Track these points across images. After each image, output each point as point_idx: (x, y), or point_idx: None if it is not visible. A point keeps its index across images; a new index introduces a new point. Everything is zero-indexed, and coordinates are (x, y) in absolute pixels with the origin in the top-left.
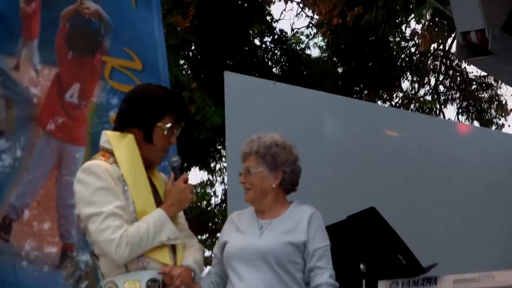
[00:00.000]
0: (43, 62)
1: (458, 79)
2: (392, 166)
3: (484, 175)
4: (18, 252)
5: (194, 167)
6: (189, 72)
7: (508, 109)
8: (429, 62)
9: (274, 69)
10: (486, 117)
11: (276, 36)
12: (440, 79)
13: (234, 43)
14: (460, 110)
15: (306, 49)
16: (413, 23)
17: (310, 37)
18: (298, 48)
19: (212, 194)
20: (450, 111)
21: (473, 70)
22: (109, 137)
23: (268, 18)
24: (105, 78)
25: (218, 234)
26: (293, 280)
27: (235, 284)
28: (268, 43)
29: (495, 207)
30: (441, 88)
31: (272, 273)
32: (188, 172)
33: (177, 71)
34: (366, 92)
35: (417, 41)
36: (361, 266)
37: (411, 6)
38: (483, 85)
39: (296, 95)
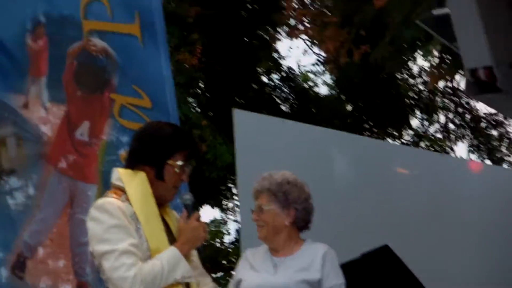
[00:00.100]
0: (52, 100)
1: (468, 116)
2: (403, 204)
3: (497, 213)
4: None
5: (205, 205)
6: (198, 109)
7: None
8: (438, 99)
9: (283, 107)
10: (497, 155)
11: (283, 74)
12: (450, 116)
13: (242, 80)
14: (471, 148)
15: (314, 87)
16: (420, 60)
17: (318, 75)
18: (306, 85)
19: (225, 232)
20: (461, 149)
21: (482, 108)
22: (120, 174)
23: (275, 55)
24: (114, 116)
25: (232, 272)
26: None
27: None
28: (276, 81)
29: (509, 244)
30: (451, 125)
31: None
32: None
33: (186, 109)
34: (375, 129)
35: (424, 78)
36: None
37: (418, 43)
38: (493, 122)
39: (306, 133)
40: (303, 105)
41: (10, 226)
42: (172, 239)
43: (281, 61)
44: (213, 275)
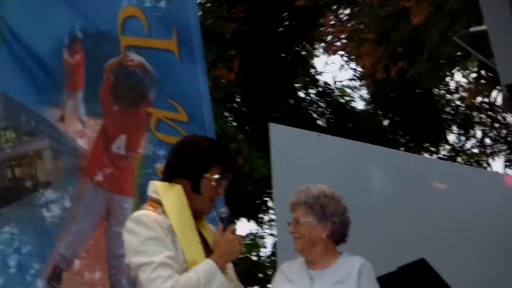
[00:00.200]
0: (89, 114)
1: (504, 131)
2: (440, 218)
3: None
4: None
5: (241, 218)
6: (234, 123)
7: None
8: (474, 114)
9: (319, 121)
10: None
11: (320, 89)
12: (486, 131)
13: (278, 95)
14: (507, 163)
15: (351, 102)
16: (457, 76)
17: (355, 90)
18: (342, 100)
19: (261, 245)
20: (497, 164)
21: None
22: (157, 187)
23: (311, 70)
24: (151, 130)
25: (268, 286)
26: None
27: None
28: (312, 96)
29: None
30: (487, 140)
31: None
32: (236, 223)
33: (223, 123)
34: (411, 144)
35: (461, 94)
36: None
37: (456, 59)
38: None
39: (342, 147)
40: (340, 120)
41: (46, 238)
42: (208, 252)
43: (318, 77)
44: None
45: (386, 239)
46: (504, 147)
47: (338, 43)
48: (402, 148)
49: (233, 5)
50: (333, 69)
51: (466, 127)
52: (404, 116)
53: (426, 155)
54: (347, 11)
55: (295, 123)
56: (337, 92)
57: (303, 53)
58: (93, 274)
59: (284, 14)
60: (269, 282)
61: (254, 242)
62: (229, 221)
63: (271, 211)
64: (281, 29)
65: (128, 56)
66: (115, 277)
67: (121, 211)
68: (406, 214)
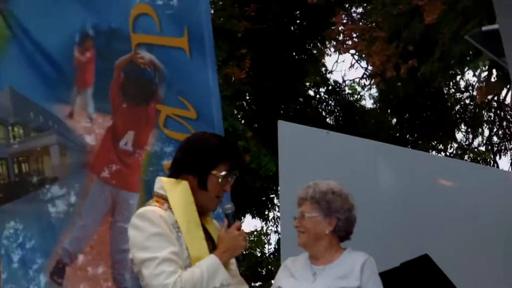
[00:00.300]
0: (98, 111)
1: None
2: (445, 215)
3: None
4: None
5: (247, 214)
6: (243, 121)
7: None
8: (483, 113)
9: (328, 119)
10: None
11: (330, 87)
12: (494, 130)
13: (288, 93)
14: None
15: (360, 100)
16: (467, 75)
17: (364, 88)
18: (352, 98)
19: (265, 242)
20: (504, 162)
21: None
22: (163, 183)
23: (322, 69)
24: (159, 127)
25: (271, 282)
26: None
27: None
28: (322, 94)
29: None
30: (495, 139)
31: None
32: (242, 220)
33: (232, 121)
34: (420, 142)
35: (471, 93)
36: None
37: (467, 58)
38: None
39: (350, 145)
40: (348, 118)
41: (51, 233)
42: (213, 248)
43: (328, 75)
44: (252, 284)
45: (391, 235)
46: (511, 146)
47: (349, 42)
48: (409, 146)
49: (245, 3)
50: (344, 67)
51: (474, 125)
52: (413, 115)
53: (434, 153)
54: (359, 9)
55: (304, 121)
56: (346, 90)
57: (314, 51)
58: (96, 269)
59: (297, 13)
60: (272, 279)
61: (258, 238)
62: (234, 218)
63: (276, 208)
64: (293, 27)
65: (139, 54)
66: (118, 271)
67: (126, 206)
68: (412, 211)
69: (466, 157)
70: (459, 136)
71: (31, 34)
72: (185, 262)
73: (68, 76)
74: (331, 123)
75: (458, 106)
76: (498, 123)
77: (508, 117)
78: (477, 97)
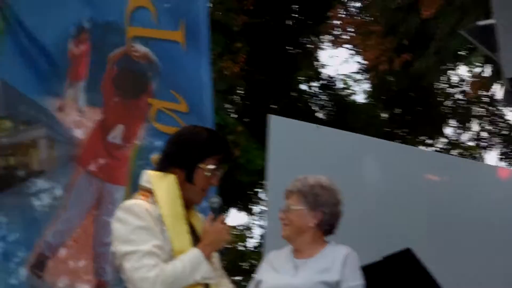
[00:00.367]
0: (89, 104)
1: (501, 125)
2: (432, 209)
3: None
4: None
5: (233, 209)
6: (234, 116)
7: None
8: (473, 108)
9: (319, 114)
10: None
11: (323, 82)
12: (483, 125)
13: (281, 88)
14: (501, 156)
15: (352, 95)
16: (460, 70)
17: (357, 82)
18: (344, 93)
19: (249, 236)
20: (492, 157)
21: None
22: (150, 176)
23: (316, 63)
24: (150, 120)
25: (253, 275)
26: None
27: None
28: (314, 88)
29: None
30: (484, 134)
31: None
32: (228, 213)
33: (223, 115)
34: (409, 137)
35: (463, 88)
36: None
37: (461, 53)
38: None
39: (339, 139)
40: (340, 113)
41: (34, 227)
42: (197, 242)
43: (321, 70)
44: (233, 279)
45: (378, 229)
46: (500, 140)
47: (345, 36)
48: (398, 141)
49: None
50: (338, 62)
51: (464, 120)
52: (404, 109)
53: (423, 147)
54: (357, 4)
55: (296, 116)
56: (339, 85)
57: (309, 46)
58: (77, 262)
59: (294, 6)
60: (254, 273)
61: (242, 233)
62: (220, 211)
63: (262, 203)
64: (289, 22)
65: (133, 47)
66: (100, 265)
67: (111, 200)
68: (398, 205)
69: (454, 152)
70: (448, 131)
71: (27, 27)
72: (168, 256)
73: (61, 69)
74: (323, 117)
75: (450, 102)
76: (487, 118)
77: (498, 112)
78: (470, 91)
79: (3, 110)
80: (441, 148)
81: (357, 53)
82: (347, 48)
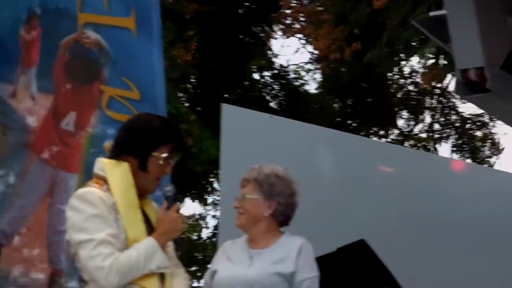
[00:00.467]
0: (41, 90)
1: (453, 117)
2: (386, 200)
3: (477, 212)
4: (6, 276)
5: (187, 198)
6: (187, 104)
7: (501, 148)
8: (426, 99)
9: (272, 104)
10: (480, 155)
11: (275, 71)
12: (436, 116)
13: (233, 77)
14: (454, 148)
15: (305, 85)
16: (412, 61)
17: (310, 73)
18: (297, 83)
19: (203, 226)
20: (445, 149)
21: (468, 109)
22: (103, 164)
23: (268, 53)
24: (102, 108)
25: (208, 266)
26: None
27: None
28: (267, 78)
29: (487, 242)
30: (436, 126)
31: None
32: (182, 203)
33: (176, 103)
34: (361, 128)
35: (415, 79)
36: None
37: (413, 44)
38: (478, 123)
39: (292, 129)
40: (292, 103)
41: None
42: (151, 230)
43: (274, 59)
44: (189, 269)
45: (331, 220)
46: (452, 132)
47: (297, 25)
48: (351, 132)
49: None
50: (290, 51)
51: (416, 112)
52: (356, 100)
53: (375, 139)
54: None
55: (248, 105)
56: (291, 75)
57: (261, 35)
58: (31, 251)
59: None
60: (208, 263)
61: (196, 223)
62: (174, 200)
63: (216, 193)
64: (241, 10)
65: (85, 34)
66: (54, 252)
67: (65, 188)
68: (352, 196)
69: (406, 143)
70: (401, 122)
71: None
72: (122, 244)
73: (13, 55)
74: (275, 107)
75: (402, 93)
76: (439, 110)
77: (450, 104)
78: (421, 83)
79: None
80: (393, 140)
81: (309, 42)
82: (298, 37)
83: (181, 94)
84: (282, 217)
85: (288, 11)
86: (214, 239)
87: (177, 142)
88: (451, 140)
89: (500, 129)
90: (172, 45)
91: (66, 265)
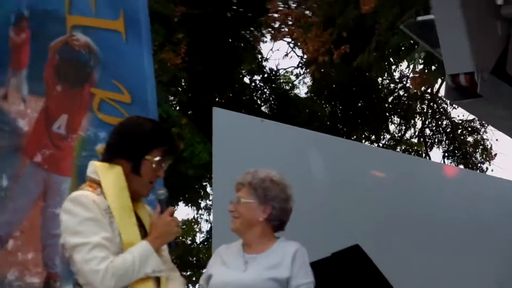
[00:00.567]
0: (32, 93)
1: (444, 122)
2: (378, 205)
3: (469, 217)
4: (1, 280)
5: (180, 202)
6: (178, 108)
7: (493, 154)
8: (416, 104)
9: (263, 108)
10: (471, 161)
11: (265, 75)
12: (426, 122)
13: (224, 81)
14: (446, 154)
15: (295, 89)
16: (402, 66)
17: (299, 77)
18: (287, 87)
19: (197, 230)
20: (436, 154)
21: (459, 114)
22: (96, 167)
23: (258, 56)
24: (93, 110)
25: (202, 271)
26: None
27: None
28: (257, 82)
29: (479, 247)
30: (427, 131)
31: None
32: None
33: (167, 107)
34: (353, 133)
35: (405, 84)
36: None
37: (403, 48)
38: (469, 129)
39: (284, 133)
40: (283, 107)
41: None
42: (144, 234)
43: (263, 63)
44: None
45: (323, 225)
46: (443, 138)
47: (285, 29)
48: (343, 137)
49: None
50: (279, 55)
51: (407, 117)
52: (346, 105)
53: (367, 144)
54: None
55: (239, 109)
56: (281, 79)
57: (250, 38)
58: (26, 255)
59: None
60: (202, 268)
61: (189, 227)
62: (167, 204)
63: (209, 197)
64: (229, 13)
65: (74, 36)
66: (49, 256)
67: (58, 191)
68: (344, 201)
69: (398, 148)
70: (392, 127)
71: None
72: (117, 248)
73: (2, 57)
74: (266, 111)
75: (392, 97)
76: (430, 115)
77: (441, 109)
78: (411, 88)
79: None
80: (385, 145)
81: (297, 46)
82: (287, 41)
83: (171, 98)
84: (277, 222)
85: (276, 15)
86: (207, 243)
87: (169, 146)
88: (443, 145)
89: (491, 134)
90: (161, 48)
91: (61, 269)
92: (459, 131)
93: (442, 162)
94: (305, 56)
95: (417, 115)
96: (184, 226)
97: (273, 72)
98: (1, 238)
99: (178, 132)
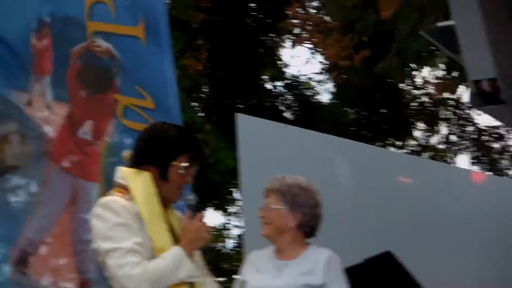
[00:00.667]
0: (56, 99)
1: (469, 129)
2: (405, 211)
3: (498, 223)
4: (35, 286)
5: (208, 208)
6: (201, 114)
7: None
8: (440, 110)
9: (286, 114)
10: (498, 167)
11: (287, 81)
12: (451, 128)
13: (245, 87)
14: (473, 160)
15: (317, 95)
16: (425, 71)
17: (321, 83)
18: (309, 93)
19: (226, 236)
20: (462, 161)
21: (485, 121)
22: (124, 173)
23: (279, 63)
24: (118, 116)
25: (235, 277)
26: None
27: None
28: (279, 88)
29: (509, 253)
30: (453, 137)
31: None
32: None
33: (190, 113)
34: (377, 138)
35: (428, 90)
36: None
37: (424, 54)
38: (495, 135)
39: (308, 139)
40: (306, 113)
41: (13, 223)
42: (175, 240)
43: (285, 69)
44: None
45: (351, 231)
46: (469, 144)
47: (305, 34)
48: (367, 143)
49: None
50: (300, 62)
51: (431, 123)
52: (370, 110)
53: (393, 149)
54: (314, 3)
55: (262, 116)
56: (303, 85)
57: (270, 44)
58: (58, 260)
59: (252, 4)
60: (234, 273)
61: (219, 233)
62: (196, 210)
63: (237, 203)
64: (249, 20)
65: (95, 42)
66: (81, 262)
67: (87, 197)
68: (371, 207)
69: (425, 154)
70: (416, 133)
71: None
72: (148, 253)
73: (26, 64)
74: (289, 117)
75: (416, 104)
76: (456, 121)
77: (465, 115)
78: (435, 93)
79: None
80: (411, 151)
81: (318, 51)
82: (307, 47)
83: (194, 104)
84: (308, 229)
85: (295, 21)
86: (238, 249)
87: (195, 151)
88: (469, 151)
89: None
90: (182, 55)
91: (94, 274)
92: (484, 137)
93: (470, 168)
94: (326, 62)
95: (441, 121)
96: (215, 232)
97: (295, 78)
98: (33, 243)
99: (202, 138)
